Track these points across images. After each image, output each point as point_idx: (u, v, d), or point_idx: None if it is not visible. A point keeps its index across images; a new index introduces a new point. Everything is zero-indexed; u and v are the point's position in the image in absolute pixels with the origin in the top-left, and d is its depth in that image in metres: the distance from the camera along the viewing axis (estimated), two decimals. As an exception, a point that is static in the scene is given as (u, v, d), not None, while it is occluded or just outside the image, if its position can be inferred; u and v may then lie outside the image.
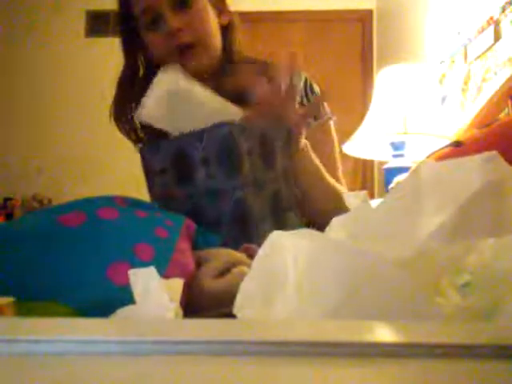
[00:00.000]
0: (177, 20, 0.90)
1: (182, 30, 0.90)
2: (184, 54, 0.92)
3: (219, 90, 0.92)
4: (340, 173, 1.07)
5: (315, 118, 1.03)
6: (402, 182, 0.39)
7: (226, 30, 1.00)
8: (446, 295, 0.33)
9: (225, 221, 0.78)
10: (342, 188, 1.02)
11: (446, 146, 1.49)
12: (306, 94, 1.07)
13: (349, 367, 0.21)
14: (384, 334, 0.25)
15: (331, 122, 1.09)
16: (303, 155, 0.91)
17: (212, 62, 0.96)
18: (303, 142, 0.90)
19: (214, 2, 0.97)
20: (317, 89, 1.11)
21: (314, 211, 0.96)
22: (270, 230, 0.38)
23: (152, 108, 0.85)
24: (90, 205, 0.59)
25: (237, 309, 0.36)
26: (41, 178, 3.77)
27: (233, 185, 0.77)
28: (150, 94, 0.85)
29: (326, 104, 1.09)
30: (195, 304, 0.56)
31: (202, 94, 0.86)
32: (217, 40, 0.96)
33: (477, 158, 0.35)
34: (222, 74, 0.97)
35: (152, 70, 0.95)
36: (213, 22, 0.95)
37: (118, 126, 1.06)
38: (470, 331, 0.25)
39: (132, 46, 0.99)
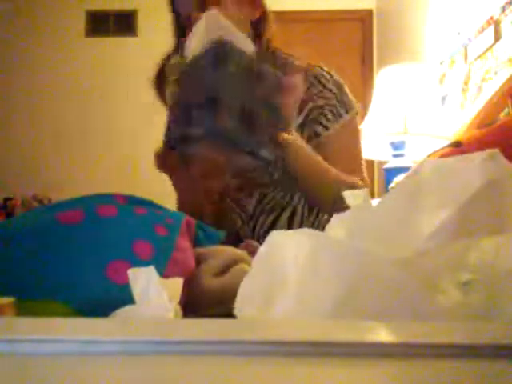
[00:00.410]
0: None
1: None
2: None
3: None
4: (363, 165, 1.13)
5: (336, 119, 1.09)
6: (403, 180, 0.39)
7: (258, 24, 1.10)
8: (447, 293, 0.33)
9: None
10: (358, 181, 1.06)
11: (446, 147, 1.49)
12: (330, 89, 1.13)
13: (349, 367, 0.21)
14: (384, 334, 0.25)
15: (356, 115, 1.14)
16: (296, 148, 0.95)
17: None
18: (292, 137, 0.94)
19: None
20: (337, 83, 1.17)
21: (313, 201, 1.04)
22: None
23: (194, 48, 0.87)
24: (88, 202, 0.59)
25: (237, 308, 0.36)
26: (41, 178, 3.78)
27: None
28: (192, 37, 0.87)
29: (347, 94, 1.14)
30: (195, 302, 0.56)
31: (241, 41, 0.88)
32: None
33: (477, 157, 0.35)
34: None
35: None
36: (237, 20, 0.99)
37: (156, 93, 1.17)
38: (470, 331, 0.25)
39: (178, 29, 1.12)
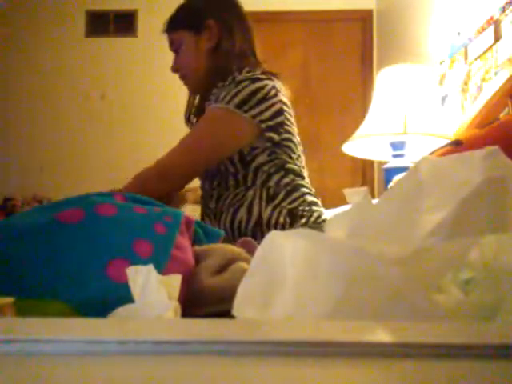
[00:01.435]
0: (174, 62, 1.37)
1: (177, 69, 1.37)
2: (184, 82, 1.39)
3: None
4: (179, 149, 1.30)
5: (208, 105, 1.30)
6: (402, 178, 0.39)
7: (215, 50, 1.33)
8: (448, 292, 0.33)
9: None
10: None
11: (446, 145, 1.49)
12: None
13: (349, 367, 0.20)
14: (384, 334, 0.25)
15: (218, 111, 1.25)
16: None
17: (198, 83, 1.36)
18: None
19: (200, 33, 1.32)
20: None
21: None
22: None
23: None
24: (88, 201, 0.59)
25: (236, 309, 0.36)
26: (41, 178, 3.77)
27: None
28: None
29: (236, 92, 1.23)
30: (195, 300, 0.56)
31: None
32: (199, 68, 1.33)
33: (477, 154, 0.35)
34: (208, 91, 1.31)
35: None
36: (195, 55, 1.33)
37: (187, 126, 1.44)
38: (470, 331, 0.25)
39: None
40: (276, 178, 1.24)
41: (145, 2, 3.88)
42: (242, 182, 1.25)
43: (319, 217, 1.27)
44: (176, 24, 1.35)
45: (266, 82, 1.22)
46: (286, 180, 1.25)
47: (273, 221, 1.21)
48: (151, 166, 1.28)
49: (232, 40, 1.31)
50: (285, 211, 1.22)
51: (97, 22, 3.98)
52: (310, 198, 1.28)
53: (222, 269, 0.61)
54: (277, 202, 1.22)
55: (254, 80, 1.21)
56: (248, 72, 1.24)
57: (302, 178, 1.29)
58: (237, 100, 1.19)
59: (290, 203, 1.23)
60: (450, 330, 0.25)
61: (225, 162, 1.25)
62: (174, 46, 1.35)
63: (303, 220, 1.23)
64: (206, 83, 1.31)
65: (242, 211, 1.22)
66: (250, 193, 1.23)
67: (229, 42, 1.31)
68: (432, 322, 0.30)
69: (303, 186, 1.28)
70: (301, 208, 1.24)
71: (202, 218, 1.31)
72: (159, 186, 1.23)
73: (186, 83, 1.39)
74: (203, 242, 0.67)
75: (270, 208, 1.22)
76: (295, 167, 1.27)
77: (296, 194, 1.24)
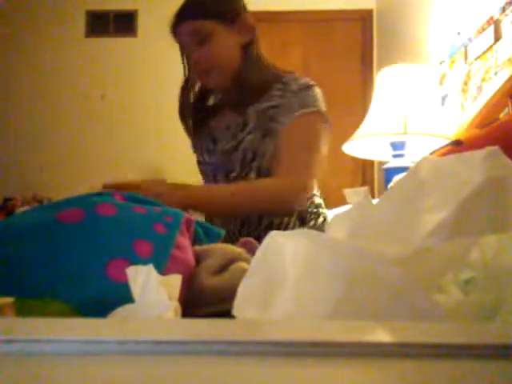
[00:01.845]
0: (197, 54, 1.23)
1: (200, 60, 1.23)
2: (204, 76, 1.27)
3: (233, 104, 1.26)
4: (310, 167, 1.19)
5: (290, 114, 1.19)
6: (403, 178, 0.39)
7: (247, 47, 1.26)
8: (448, 292, 0.33)
9: None
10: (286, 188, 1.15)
11: (447, 145, 1.49)
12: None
13: (349, 367, 0.20)
14: (384, 334, 0.25)
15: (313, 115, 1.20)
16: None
17: (226, 79, 1.25)
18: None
19: (234, 26, 1.23)
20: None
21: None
22: None
23: None
24: (88, 201, 0.59)
25: (236, 309, 0.36)
26: (41, 178, 3.78)
27: None
28: None
29: (311, 97, 1.21)
30: (195, 300, 0.56)
31: None
32: (232, 61, 1.25)
33: (477, 154, 0.35)
34: (238, 86, 1.24)
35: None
36: (228, 48, 1.24)
37: (182, 124, 1.36)
38: (470, 331, 0.25)
39: (184, 65, 1.32)
40: None
41: (145, 2, 3.88)
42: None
43: (325, 219, 1.27)
44: (204, 12, 1.22)
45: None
46: None
47: (283, 226, 1.21)
48: (283, 183, 1.14)
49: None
50: (295, 215, 1.22)
51: (97, 22, 3.98)
52: (317, 200, 1.28)
53: (222, 269, 0.61)
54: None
55: (315, 85, 1.24)
56: (294, 75, 1.25)
57: None
58: (321, 104, 1.20)
59: (300, 205, 1.21)
60: (450, 329, 0.25)
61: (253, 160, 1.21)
62: (199, 36, 1.21)
63: (311, 223, 1.23)
64: (236, 80, 1.24)
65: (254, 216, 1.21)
66: None
67: (258, 40, 1.27)
68: (432, 321, 0.30)
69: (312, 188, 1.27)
70: (309, 210, 1.24)
71: (210, 216, 1.28)
72: (294, 206, 1.17)
73: (207, 78, 1.26)
74: (204, 242, 0.67)
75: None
76: None
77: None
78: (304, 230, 0.37)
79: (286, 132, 1.17)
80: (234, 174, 1.24)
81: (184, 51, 1.28)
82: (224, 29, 1.22)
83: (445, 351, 0.21)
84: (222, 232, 0.72)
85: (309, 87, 1.21)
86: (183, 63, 1.31)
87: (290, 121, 1.17)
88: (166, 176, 3.63)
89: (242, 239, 0.71)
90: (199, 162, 1.36)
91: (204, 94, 1.36)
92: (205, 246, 0.65)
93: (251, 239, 0.70)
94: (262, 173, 1.21)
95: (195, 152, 1.38)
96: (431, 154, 1.54)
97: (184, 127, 1.35)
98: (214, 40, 1.22)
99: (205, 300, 0.57)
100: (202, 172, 1.36)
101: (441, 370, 0.20)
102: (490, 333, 0.24)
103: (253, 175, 1.21)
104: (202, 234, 0.68)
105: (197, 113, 1.35)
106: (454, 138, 1.76)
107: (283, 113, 1.18)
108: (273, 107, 1.20)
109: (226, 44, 1.24)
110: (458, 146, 1.39)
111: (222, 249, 0.64)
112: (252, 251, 0.63)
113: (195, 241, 0.66)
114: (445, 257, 0.34)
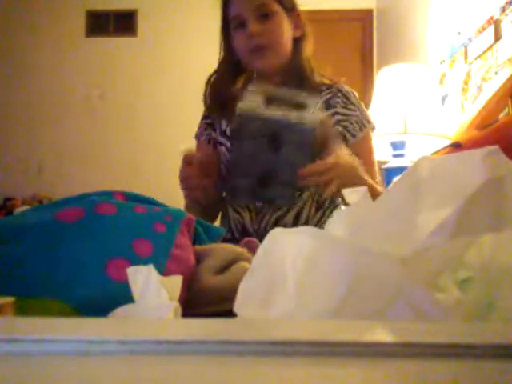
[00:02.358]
0: (256, 26, 1.18)
1: (259, 34, 1.18)
2: (256, 52, 1.20)
3: (280, 88, 1.18)
4: (378, 176, 1.27)
5: (360, 128, 1.25)
6: (402, 178, 0.39)
7: (299, 41, 1.26)
8: (446, 291, 0.33)
9: None
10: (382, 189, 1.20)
11: (446, 147, 1.49)
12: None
13: (349, 367, 0.20)
14: (384, 334, 0.25)
15: (372, 131, 1.31)
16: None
17: (279, 64, 1.22)
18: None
19: (291, 17, 1.23)
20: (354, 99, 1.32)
21: None
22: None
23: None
24: (88, 200, 0.59)
25: (236, 307, 0.36)
26: (41, 178, 3.78)
27: None
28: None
29: (367, 113, 1.29)
30: (196, 300, 0.56)
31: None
32: (287, 48, 1.23)
33: (477, 153, 0.35)
34: (286, 77, 1.22)
35: (236, 63, 1.26)
36: (286, 33, 1.22)
37: (209, 102, 1.30)
38: (469, 331, 0.25)
39: (226, 42, 1.27)
40: None
41: (145, 2, 3.88)
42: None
43: None
44: None
45: None
46: None
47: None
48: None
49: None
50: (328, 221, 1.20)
51: (97, 22, 3.98)
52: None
53: (223, 269, 0.61)
54: (323, 209, 1.20)
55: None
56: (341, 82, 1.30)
57: None
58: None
59: (332, 211, 1.21)
60: (450, 329, 0.25)
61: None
62: (263, 11, 1.18)
63: None
64: (284, 68, 1.21)
65: (290, 216, 1.18)
66: (304, 196, 1.18)
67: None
68: (432, 321, 0.30)
69: None
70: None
71: (236, 211, 1.22)
72: None
73: (261, 55, 1.19)
74: (204, 241, 0.67)
75: (318, 215, 1.20)
76: None
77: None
78: (305, 228, 0.37)
79: (360, 145, 1.24)
80: None
81: (237, 23, 1.20)
82: (284, 14, 1.22)
83: (445, 351, 0.21)
84: (223, 230, 0.72)
85: (360, 102, 1.28)
86: (223, 44, 1.27)
87: (361, 134, 1.25)
88: (166, 176, 3.63)
89: (245, 239, 0.71)
90: (228, 149, 1.24)
91: (234, 76, 1.29)
92: (206, 246, 0.65)
93: (254, 239, 0.70)
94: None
95: (220, 137, 1.28)
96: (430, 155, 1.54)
97: (211, 110, 1.29)
98: (276, 19, 1.20)
99: (206, 300, 0.57)
100: (227, 162, 1.24)
101: (441, 369, 0.20)
102: (490, 333, 0.24)
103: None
104: (202, 232, 0.68)
105: (226, 95, 1.27)
106: (453, 140, 1.76)
107: (355, 126, 1.24)
108: (340, 114, 1.23)
109: (285, 27, 1.22)
110: (457, 148, 1.39)
111: (224, 248, 0.64)
112: (254, 250, 0.63)
113: (196, 240, 0.66)
114: (445, 256, 0.34)
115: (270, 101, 1.02)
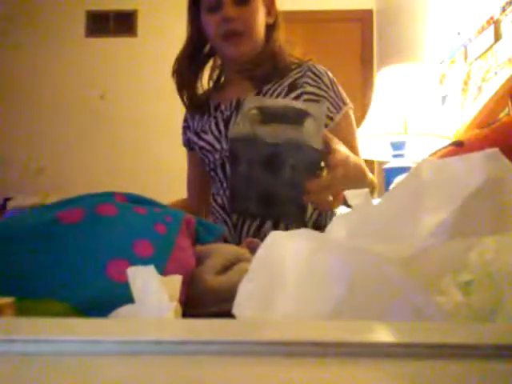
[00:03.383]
0: (233, 11, 1.12)
1: (235, 19, 1.12)
2: (230, 38, 1.14)
3: (252, 77, 1.16)
4: (361, 159, 1.17)
5: (336, 109, 1.16)
6: (403, 179, 0.39)
7: (272, 28, 1.21)
8: (447, 293, 0.33)
9: None
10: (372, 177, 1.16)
11: (447, 146, 1.49)
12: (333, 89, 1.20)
13: (349, 367, 0.20)
14: (384, 334, 0.25)
15: (351, 111, 1.20)
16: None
17: (252, 52, 1.17)
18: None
19: (265, 2, 1.19)
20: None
21: None
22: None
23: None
24: (88, 201, 0.59)
25: (236, 309, 0.36)
26: (41, 178, 3.78)
27: None
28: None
29: (343, 93, 1.19)
30: (197, 300, 0.56)
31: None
32: (260, 35, 1.18)
33: (478, 155, 0.35)
34: (258, 65, 1.17)
35: (203, 47, 1.22)
36: (260, 20, 1.17)
37: (179, 94, 1.25)
38: (470, 331, 0.25)
39: (194, 24, 1.22)
40: None
41: (145, 2, 3.88)
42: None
43: None
44: None
45: None
46: None
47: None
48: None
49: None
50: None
51: (97, 22, 3.98)
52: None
53: (224, 269, 0.60)
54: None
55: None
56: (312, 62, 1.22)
57: None
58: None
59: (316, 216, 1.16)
60: (450, 329, 0.25)
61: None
62: None
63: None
64: (256, 55, 1.17)
65: (268, 225, 1.12)
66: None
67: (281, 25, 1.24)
68: (432, 322, 0.30)
69: None
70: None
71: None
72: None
73: (237, 41, 1.14)
74: (205, 241, 0.67)
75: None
76: None
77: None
78: (304, 230, 0.37)
79: (340, 128, 1.15)
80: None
81: (210, 5, 1.15)
82: (261, 4, 1.18)
83: (445, 351, 0.21)
84: (223, 229, 0.72)
85: (336, 82, 1.20)
86: (190, 24, 1.22)
87: (338, 116, 1.16)
88: (166, 176, 3.63)
89: (247, 239, 0.71)
90: (201, 148, 1.20)
91: (202, 64, 1.24)
92: (207, 246, 0.65)
93: (256, 239, 0.70)
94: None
95: (193, 136, 1.24)
96: (432, 154, 1.54)
97: (183, 99, 1.24)
98: (254, 4, 1.15)
99: (207, 300, 0.57)
100: (205, 159, 1.22)
101: (441, 369, 0.20)
102: (490, 333, 0.24)
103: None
104: (202, 232, 0.68)
105: (193, 89, 1.23)
106: (454, 139, 1.76)
107: (331, 108, 1.16)
108: (308, 94, 1.15)
109: (261, 13, 1.18)
110: (459, 146, 1.39)
111: (225, 249, 0.64)
112: (255, 251, 0.63)
113: (196, 240, 0.66)
114: (445, 258, 0.34)
115: (264, 116, 1.00)
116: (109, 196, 0.63)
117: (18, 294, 0.42)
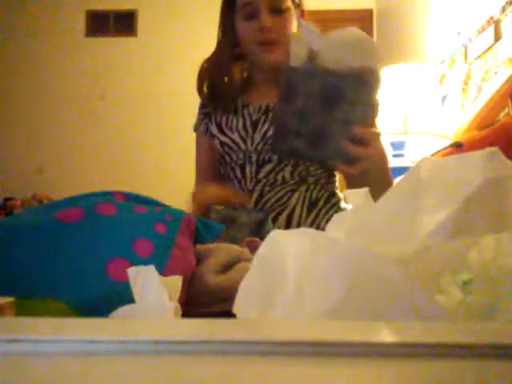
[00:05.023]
0: (269, 20, 1.16)
1: (271, 28, 1.15)
2: (266, 47, 1.17)
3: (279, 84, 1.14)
4: None
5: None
6: (403, 178, 0.39)
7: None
8: (447, 293, 0.33)
9: None
10: None
11: (447, 147, 1.49)
12: None
13: (349, 367, 0.20)
14: (384, 333, 0.25)
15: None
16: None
17: (285, 59, 1.14)
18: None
19: (296, 13, 1.22)
20: None
21: None
22: None
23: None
24: (88, 200, 0.59)
25: (236, 308, 0.36)
26: (41, 178, 3.78)
27: None
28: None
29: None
30: (198, 300, 0.56)
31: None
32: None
33: (478, 155, 0.35)
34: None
35: (234, 52, 1.23)
36: (294, 29, 1.19)
37: (200, 95, 1.26)
38: (470, 331, 0.25)
39: (227, 29, 1.23)
40: (335, 179, 1.21)
41: (145, 2, 3.88)
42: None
43: None
44: None
45: None
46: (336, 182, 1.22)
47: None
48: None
49: None
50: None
51: (97, 22, 3.98)
52: (342, 205, 1.25)
53: (225, 268, 0.60)
54: (316, 210, 1.17)
55: None
56: None
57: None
58: None
59: (327, 211, 1.17)
60: (450, 329, 0.25)
61: None
62: (278, 5, 1.17)
63: None
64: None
65: (281, 219, 1.14)
66: (295, 195, 1.16)
67: None
68: (432, 321, 0.30)
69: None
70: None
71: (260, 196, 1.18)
72: None
73: (272, 49, 1.17)
74: (206, 240, 0.67)
75: (312, 216, 1.16)
76: None
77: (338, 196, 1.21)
78: (305, 229, 0.37)
79: None
80: (269, 166, 1.16)
81: (247, 12, 1.18)
82: (294, 11, 1.21)
83: (445, 351, 0.21)
84: (223, 228, 0.72)
85: None
86: (223, 28, 1.23)
87: None
88: (166, 176, 3.63)
89: (248, 238, 0.71)
90: (223, 144, 1.20)
91: (231, 65, 1.25)
92: (207, 245, 0.65)
93: (257, 239, 0.70)
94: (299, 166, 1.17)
95: (214, 128, 1.24)
96: (432, 155, 1.54)
97: (208, 102, 1.25)
98: (288, 15, 1.19)
99: (207, 300, 0.57)
100: (225, 156, 1.23)
101: (441, 369, 0.20)
102: (490, 333, 0.24)
103: (289, 168, 1.15)
104: (203, 231, 0.68)
105: (223, 86, 1.23)
106: (454, 140, 1.76)
107: None
108: None
109: (294, 22, 1.20)
110: (458, 147, 1.39)
111: (225, 248, 0.64)
112: (256, 250, 0.63)
113: (197, 239, 0.66)
114: (445, 257, 0.34)
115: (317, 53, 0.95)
116: (108, 195, 0.63)
117: (18, 294, 0.42)
